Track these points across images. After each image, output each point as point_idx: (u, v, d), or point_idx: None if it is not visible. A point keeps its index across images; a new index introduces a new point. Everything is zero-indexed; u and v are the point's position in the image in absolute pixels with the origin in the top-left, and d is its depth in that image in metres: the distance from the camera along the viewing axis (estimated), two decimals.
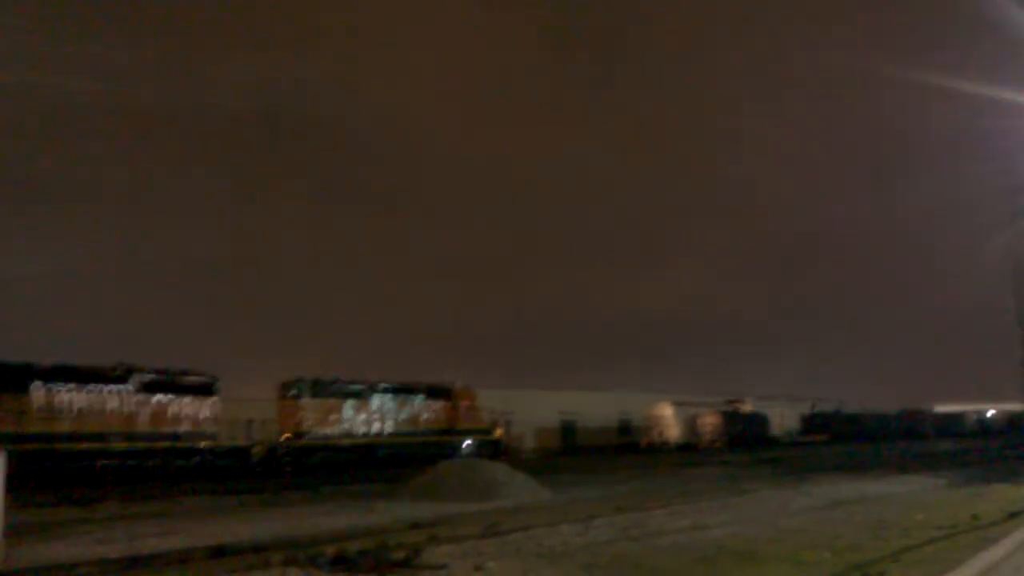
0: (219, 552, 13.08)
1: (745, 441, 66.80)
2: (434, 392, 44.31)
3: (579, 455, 57.13)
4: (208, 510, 20.02)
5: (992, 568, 10.75)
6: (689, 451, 61.37)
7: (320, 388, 39.23)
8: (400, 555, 11.27)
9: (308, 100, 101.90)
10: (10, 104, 73.44)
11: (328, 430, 39.00)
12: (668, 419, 67.97)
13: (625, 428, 68.61)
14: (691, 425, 68.52)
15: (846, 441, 74.85)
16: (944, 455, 45.67)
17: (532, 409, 59.67)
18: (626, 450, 62.86)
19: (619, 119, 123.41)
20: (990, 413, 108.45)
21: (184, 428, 33.33)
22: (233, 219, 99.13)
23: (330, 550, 11.61)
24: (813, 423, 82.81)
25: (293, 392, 38.51)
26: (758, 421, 74.23)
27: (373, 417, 41.10)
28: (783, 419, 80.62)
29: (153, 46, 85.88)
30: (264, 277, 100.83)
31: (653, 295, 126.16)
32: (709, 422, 68.32)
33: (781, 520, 16.25)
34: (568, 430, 64.61)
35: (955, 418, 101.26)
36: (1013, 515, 16.25)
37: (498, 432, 47.19)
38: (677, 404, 69.13)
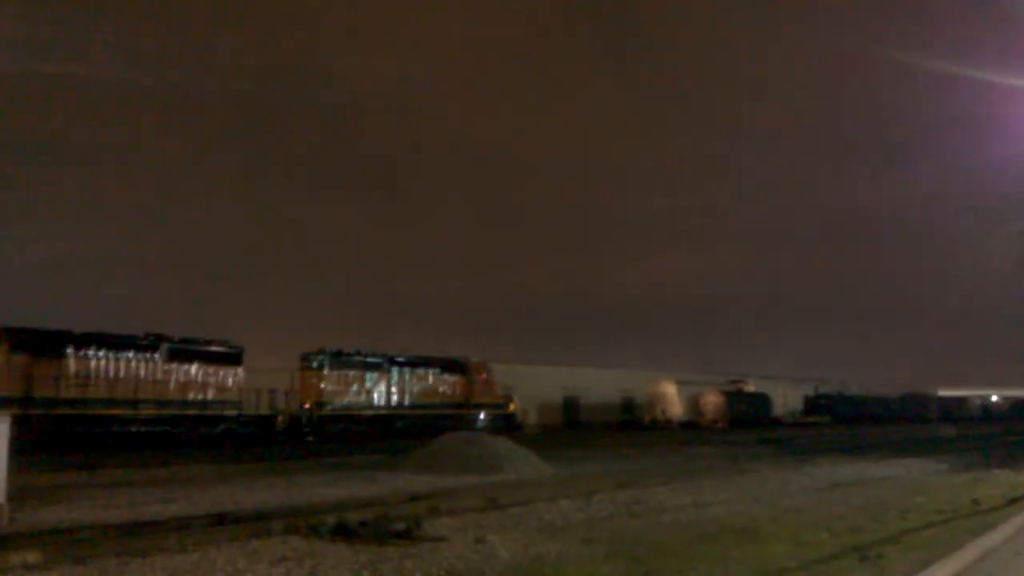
0: (220, 520, 13.13)
1: (747, 421, 66.92)
2: (451, 366, 45.26)
3: (581, 431, 57.26)
4: (210, 478, 20.09)
5: (991, 552, 10.76)
6: (691, 429, 61.46)
7: (340, 360, 39.95)
8: (400, 526, 11.30)
9: (311, 79, 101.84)
10: (40, 86, 73.85)
11: (348, 401, 39.76)
12: (671, 397, 68.01)
13: (628, 405, 68.72)
14: (694, 404, 68.59)
15: (848, 423, 75.00)
16: (946, 439, 45.69)
17: (535, 384, 59.84)
18: (628, 427, 63.05)
19: (621, 98, 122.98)
20: (993, 398, 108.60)
21: (211, 396, 34.13)
22: (252, 197, 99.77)
23: (331, 519, 11.65)
24: (816, 404, 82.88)
25: (314, 363, 39.22)
26: (761, 401, 74.27)
27: (392, 389, 41.84)
28: (786, 400, 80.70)
29: (163, 31, 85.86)
30: (277, 253, 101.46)
31: (658, 274, 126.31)
32: (712, 401, 68.37)
33: (781, 500, 16.29)
34: (571, 406, 64.73)
35: (958, 403, 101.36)
36: (1013, 500, 16.28)
37: (512, 406, 48.57)
38: (680, 383, 69.17)
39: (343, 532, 11.04)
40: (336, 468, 23.06)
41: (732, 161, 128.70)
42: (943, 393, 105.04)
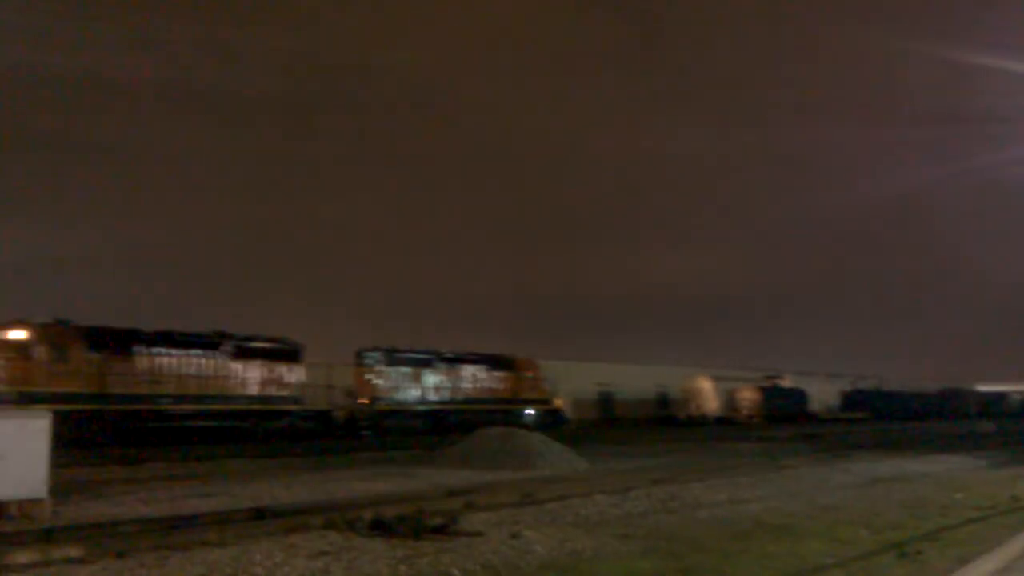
0: (259, 514, 13.27)
1: (783, 416, 66.49)
2: (499, 363, 46.10)
3: (616, 427, 57.16)
4: (250, 473, 20.26)
5: None
6: (727, 425, 61.19)
7: (393, 357, 40.83)
8: (437, 521, 11.35)
9: (341, 77, 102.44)
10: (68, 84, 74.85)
11: (401, 396, 40.66)
12: (706, 393, 67.72)
13: (663, 401, 68.41)
14: (729, 399, 68.27)
15: (886, 419, 74.35)
16: (985, 435, 45.25)
17: (570, 380, 59.68)
18: (664, 423, 62.76)
19: (657, 87, 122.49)
20: None
21: (273, 392, 35.00)
22: (283, 196, 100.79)
23: (368, 514, 11.71)
24: (853, 400, 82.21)
25: (368, 360, 40.10)
26: (797, 396, 73.77)
27: (443, 385, 42.69)
28: (822, 395, 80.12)
29: (190, 27, 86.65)
30: (315, 250, 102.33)
31: (695, 269, 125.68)
32: (747, 397, 68.03)
33: (819, 496, 16.21)
34: (606, 402, 64.51)
35: (997, 398, 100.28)
36: None
37: (558, 402, 49.32)
38: (716, 378, 68.86)
39: (380, 527, 11.10)
40: (374, 463, 23.19)
41: (764, 152, 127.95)
42: (982, 388, 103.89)
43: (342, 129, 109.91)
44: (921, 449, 30.76)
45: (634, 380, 66.92)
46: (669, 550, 10.35)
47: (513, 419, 41.93)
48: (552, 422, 45.59)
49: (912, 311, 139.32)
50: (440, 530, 11.00)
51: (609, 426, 58.46)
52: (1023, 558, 10.16)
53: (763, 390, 69.37)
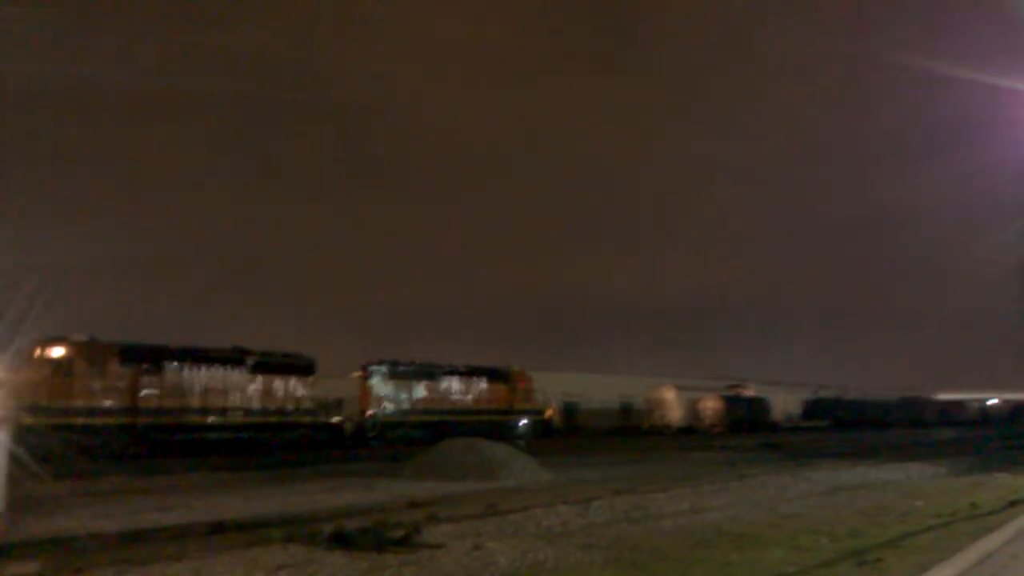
0: (218, 528, 13.14)
1: (746, 426, 66.81)
2: (495, 375, 47.71)
3: (580, 437, 57.17)
4: (210, 486, 20.07)
5: (990, 556, 10.76)
6: (690, 435, 61.32)
7: (396, 370, 42.37)
8: (399, 533, 11.30)
9: (309, 81, 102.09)
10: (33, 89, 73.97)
11: (404, 408, 42.20)
12: (670, 402, 67.85)
13: (627, 411, 68.53)
14: (692, 409, 68.41)
15: (847, 427, 74.95)
16: (945, 443, 45.76)
17: None
18: (627, 433, 62.85)
19: (620, 104, 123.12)
20: (992, 401, 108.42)
21: (289, 405, 36.49)
22: (252, 203, 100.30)
23: (329, 527, 11.63)
24: (815, 409, 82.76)
25: (373, 373, 41.57)
26: (760, 406, 74.14)
27: (443, 397, 44.32)
28: (785, 404, 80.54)
29: (156, 31, 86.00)
30: (268, 257, 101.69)
31: (657, 279, 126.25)
32: (710, 406, 68.24)
33: (780, 505, 16.29)
34: (569, 412, 64.53)
35: (957, 406, 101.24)
36: (1012, 503, 16.27)
37: (548, 412, 51.09)
38: (679, 388, 69.05)
39: (342, 540, 11.02)
40: (335, 475, 23.04)
41: (729, 165, 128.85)
42: (941, 397, 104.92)
43: (305, 134, 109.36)
44: (882, 457, 31.01)
45: (598, 390, 67.01)
46: (632, 560, 10.35)
47: (508, 429, 45.08)
48: (544, 431, 48.18)
49: (873, 321, 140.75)
50: (402, 542, 10.95)
51: (573, 436, 58.47)
52: (981, 564, 10.25)
53: (726, 400, 69.63)
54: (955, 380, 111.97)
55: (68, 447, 26.02)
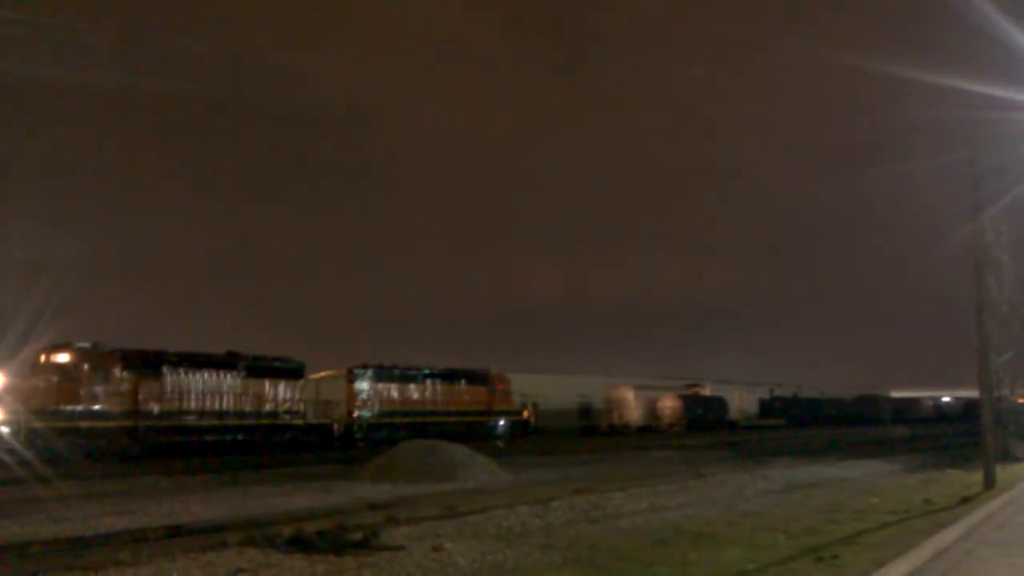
0: (174, 532, 13.01)
1: (704, 425, 67.15)
2: (475, 377, 49.27)
3: (539, 437, 57.20)
4: (165, 490, 19.83)
5: (944, 552, 10.90)
6: (649, 434, 61.54)
7: (382, 373, 43.49)
8: (358, 536, 11.24)
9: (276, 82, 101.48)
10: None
11: (389, 409, 43.20)
12: (628, 402, 68.05)
13: (585, 411, 68.65)
14: (651, 408, 68.67)
15: (803, 425, 75.53)
16: (900, 440, 46.31)
17: None
18: (586, 433, 62.98)
19: (578, 104, 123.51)
20: (946, 399, 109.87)
21: (280, 407, 37.83)
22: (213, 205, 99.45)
23: (287, 531, 11.55)
24: (771, 407, 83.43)
25: (359, 376, 42.53)
26: (717, 405, 74.56)
27: (426, 399, 45.54)
28: (742, 403, 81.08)
29: (117, 30, 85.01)
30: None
31: (615, 281, 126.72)
32: (669, 406, 68.53)
33: (738, 503, 16.40)
34: None
35: (911, 404, 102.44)
36: (965, 500, 16.49)
37: (525, 413, 52.87)
38: (637, 388, 69.29)
39: (300, 543, 10.95)
40: (293, 478, 22.86)
41: (691, 168, 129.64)
42: (896, 394, 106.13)
43: (270, 135, 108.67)
44: (837, 455, 31.32)
45: (557, 391, 66.99)
46: (591, 559, 10.37)
47: (488, 429, 47.50)
48: (522, 432, 50.26)
49: (829, 321, 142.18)
50: (361, 545, 10.90)
51: (532, 436, 58.51)
52: (936, 560, 10.37)
53: (684, 399, 69.99)
54: (910, 378, 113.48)
55: (74, 450, 27.78)
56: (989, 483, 18.56)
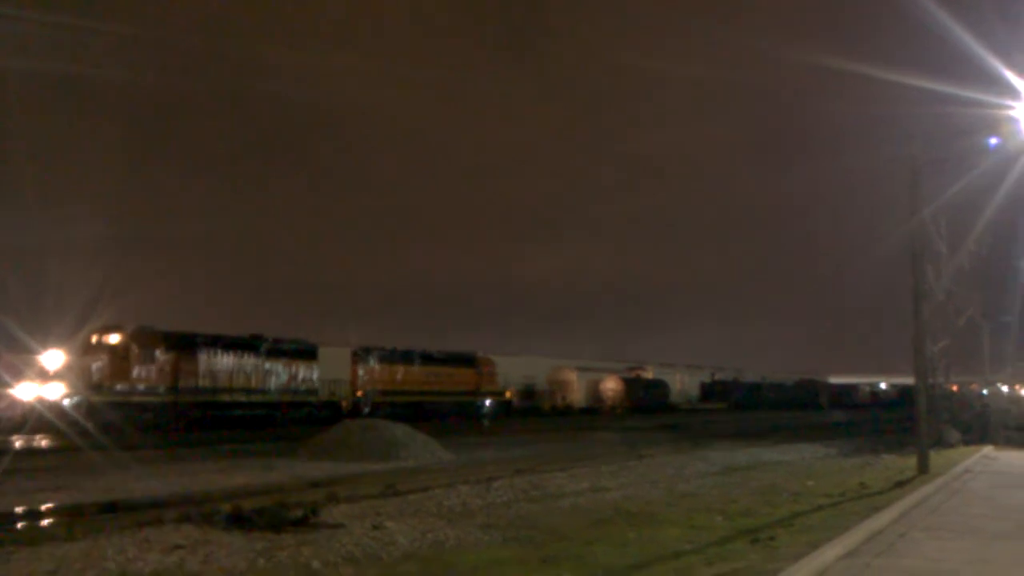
0: (111, 507, 12.86)
1: (646, 407, 67.70)
2: (465, 360, 53.77)
3: (483, 418, 57.37)
4: (102, 466, 19.53)
5: (877, 534, 11.08)
6: (591, 415, 61.96)
7: (383, 355, 47.12)
8: (298, 513, 11.17)
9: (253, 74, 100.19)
10: None
11: (390, 388, 46.76)
12: (571, 384, 68.45)
13: (529, 392, 68.87)
14: (594, 390, 69.12)
15: (744, 409, 76.51)
16: (837, 425, 47.03)
17: None
18: (529, 414, 63.22)
19: (524, 91, 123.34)
20: (882, 385, 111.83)
21: (298, 386, 41.42)
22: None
23: (226, 507, 11.44)
24: (712, 391, 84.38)
25: (363, 358, 46.05)
26: (659, 387, 75.21)
27: (423, 379, 49.14)
28: (683, 386, 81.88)
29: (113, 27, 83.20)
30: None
31: (561, 264, 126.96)
32: (611, 388, 69.00)
33: (677, 484, 16.54)
34: None
35: (849, 389, 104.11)
36: (899, 484, 16.78)
37: (508, 394, 58.32)
38: (580, 369, 69.67)
39: (238, 520, 10.85)
40: (232, 455, 22.68)
41: (631, 152, 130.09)
42: (834, 380, 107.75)
43: (245, 123, 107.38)
44: (776, 438, 31.73)
45: (500, 371, 67.21)
46: (531, 538, 10.40)
47: (476, 408, 52.52)
48: (505, 411, 55.69)
49: (770, 307, 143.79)
50: (301, 522, 10.84)
51: (474, 417, 58.64)
52: (870, 542, 10.54)
53: (626, 381, 70.49)
54: (848, 365, 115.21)
55: (126, 422, 29.96)
56: (923, 468, 18.89)
